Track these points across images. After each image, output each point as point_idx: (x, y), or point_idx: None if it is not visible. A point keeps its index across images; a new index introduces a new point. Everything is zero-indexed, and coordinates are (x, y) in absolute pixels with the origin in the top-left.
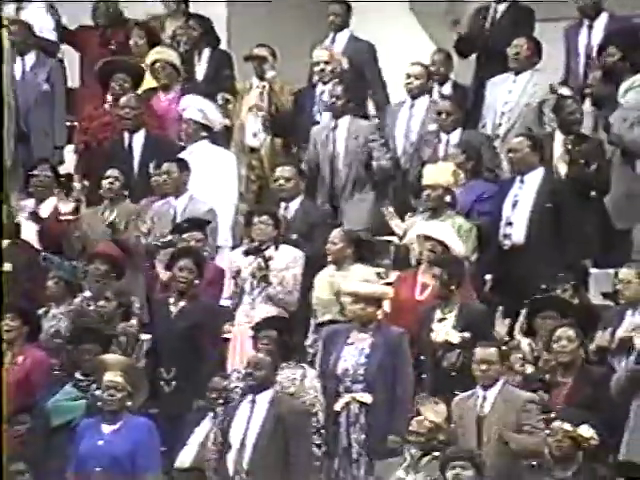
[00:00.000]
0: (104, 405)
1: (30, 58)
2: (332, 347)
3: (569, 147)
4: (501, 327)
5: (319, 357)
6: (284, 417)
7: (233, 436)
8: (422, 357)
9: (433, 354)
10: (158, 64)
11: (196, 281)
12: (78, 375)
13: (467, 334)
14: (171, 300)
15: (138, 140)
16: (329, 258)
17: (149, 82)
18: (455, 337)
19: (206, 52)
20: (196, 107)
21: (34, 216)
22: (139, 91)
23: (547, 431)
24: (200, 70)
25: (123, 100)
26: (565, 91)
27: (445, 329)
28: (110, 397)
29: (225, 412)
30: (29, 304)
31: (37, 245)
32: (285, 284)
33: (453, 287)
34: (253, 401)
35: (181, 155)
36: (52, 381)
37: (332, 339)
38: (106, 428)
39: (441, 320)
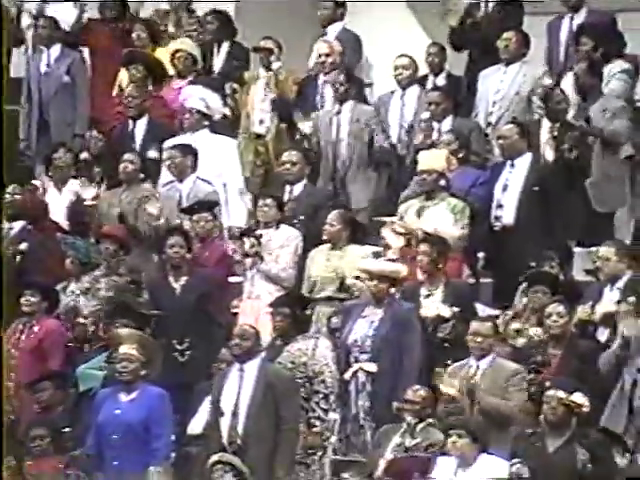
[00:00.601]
0: (119, 376)
1: (55, 51)
2: (349, 319)
3: (555, 134)
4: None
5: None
6: (273, 384)
7: (224, 404)
8: None
9: (424, 328)
10: (179, 54)
11: (187, 255)
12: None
13: (456, 308)
14: (171, 278)
15: (140, 126)
16: (325, 237)
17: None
18: (447, 311)
19: (225, 45)
20: (198, 96)
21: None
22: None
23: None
24: (218, 62)
25: (127, 90)
26: (546, 80)
27: (435, 304)
28: (124, 368)
29: (215, 380)
30: (49, 281)
31: (65, 225)
32: (279, 261)
33: (441, 265)
34: (241, 370)
35: (181, 141)
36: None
37: (350, 312)
38: (123, 397)
39: (428, 296)
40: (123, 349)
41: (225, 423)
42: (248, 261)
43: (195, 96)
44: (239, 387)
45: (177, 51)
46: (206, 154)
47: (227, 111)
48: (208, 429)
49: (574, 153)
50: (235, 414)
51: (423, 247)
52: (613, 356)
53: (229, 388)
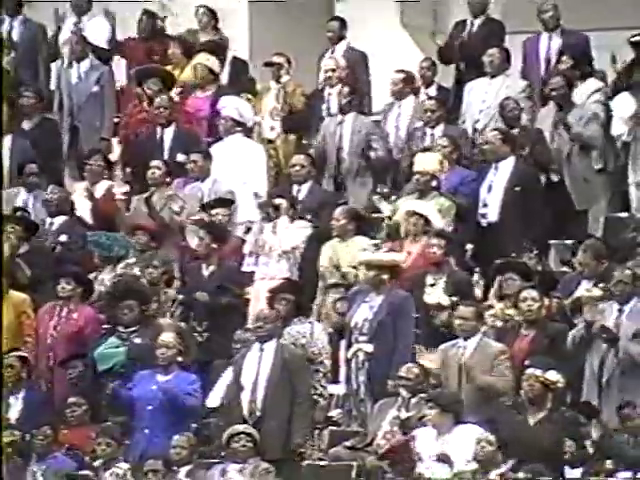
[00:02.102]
0: (157, 359)
1: (85, 64)
2: (353, 304)
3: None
4: (479, 289)
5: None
6: (288, 361)
7: (244, 379)
8: (416, 315)
9: (426, 313)
10: (198, 66)
11: (212, 245)
12: (120, 328)
13: (455, 298)
14: (203, 266)
15: (168, 134)
16: (334, 232)
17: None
18: (446, 300)
19: (227, 62)
20: (233, 106)
21: (90, 196)
22: (176, 89)
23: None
24: (224, 76)
25: (157, 100)
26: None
27: (436, 293)
28: (162, 354)
29: (236, 359)
30: (82, 270)
31: (90, 221)
32: (293, 240)
33: (448, 258)
34: (262, 349)
35: (218, 146)
36: (101, 334)
37: (355, 297)
38: (160, 377)
39: (432, 285)
40: (162, 337)
41: (245, 397)
42: (266, 247)
43: (230, 106)
44: (258, 364)
45: (197, 64)
46: (237, 155)
47: (259, 119)
48: (230, 402)
49: (527, 150)
50: (254, 389)
51: (436, 240)
52: (578, 336)
53: (249, 365)
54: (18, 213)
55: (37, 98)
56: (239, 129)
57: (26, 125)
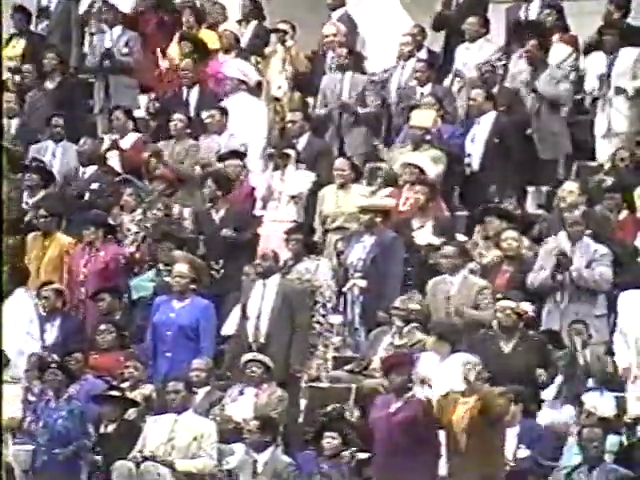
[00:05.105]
0: (173, 287)
1: (117, 31)
2: (349, 245)
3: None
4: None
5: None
6: (289, 295)
7: (250, 311)
8: (406, 255)
9: (416, 253)
10: (227, 32)
11: (218, 193)
12: (160, 265)
13: (443, 238)
14: (213, 211)
15: (194, 94)
16: (339, 181)
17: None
18: (436, 240)
19: (252, 25)
20: (237, 67)
21: (117, 147)
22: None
23: (497, 307)
24: (245, 38)
25: (182, 64)
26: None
27: (426, 234)
28: (177, 282)
29: (242, 292)
30: (105, 214)
31: (119, 170)
32: (300, 185)
33: (431, 203)
34: (264, 285)
35: (225, 104)
36: (134, 268)
37: (350, 239)
38: (176, 304)
39: (420, 228)
40: (177, 267)
41: (250, 326)
42: (278, 189)
43: (234, 67)
44: (262, 298)
45: (225, 30)
46: (241, 112)
47: (261, 78)
48: (238, 330)
49: (502, 107)
50: (258, 319)
51: (419, 188)
52: (549, 275)
53: (254, 298)
54: (33, 164)
55: (59, 60)
56: (243, 87)
57: (49, 84)
